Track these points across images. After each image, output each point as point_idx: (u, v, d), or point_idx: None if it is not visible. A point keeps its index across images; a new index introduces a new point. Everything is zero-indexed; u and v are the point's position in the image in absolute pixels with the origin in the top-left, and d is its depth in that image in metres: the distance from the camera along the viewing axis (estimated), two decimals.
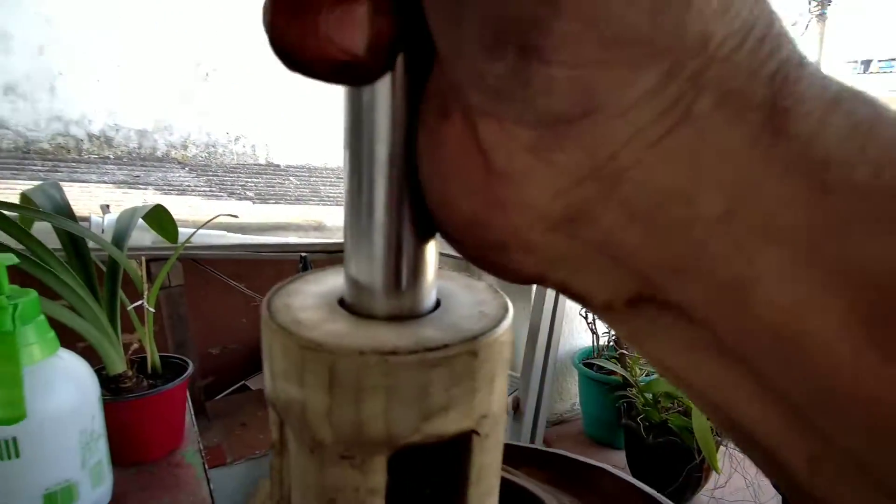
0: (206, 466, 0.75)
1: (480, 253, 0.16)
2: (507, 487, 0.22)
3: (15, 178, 2.24)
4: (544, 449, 0.31)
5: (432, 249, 0.18)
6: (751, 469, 0.89)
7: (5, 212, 0.65)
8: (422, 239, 0.18)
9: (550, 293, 0.97)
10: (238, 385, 1.80)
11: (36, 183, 0.79)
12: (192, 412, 0.85)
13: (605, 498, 0.28)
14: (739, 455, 0.93)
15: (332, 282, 0.21)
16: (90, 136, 3.43)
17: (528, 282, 0.16)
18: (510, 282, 0.17)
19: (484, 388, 0.17)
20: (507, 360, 0.18)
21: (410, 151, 0.17)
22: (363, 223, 0.17)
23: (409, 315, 0.18)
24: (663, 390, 0.93)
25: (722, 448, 0.91)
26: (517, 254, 0.16)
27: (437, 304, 0.19)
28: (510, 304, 0.19)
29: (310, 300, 0.19)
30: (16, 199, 0.76)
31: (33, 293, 0.58)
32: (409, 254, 0.18)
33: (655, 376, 0.99)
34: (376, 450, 0.17)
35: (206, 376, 1.55)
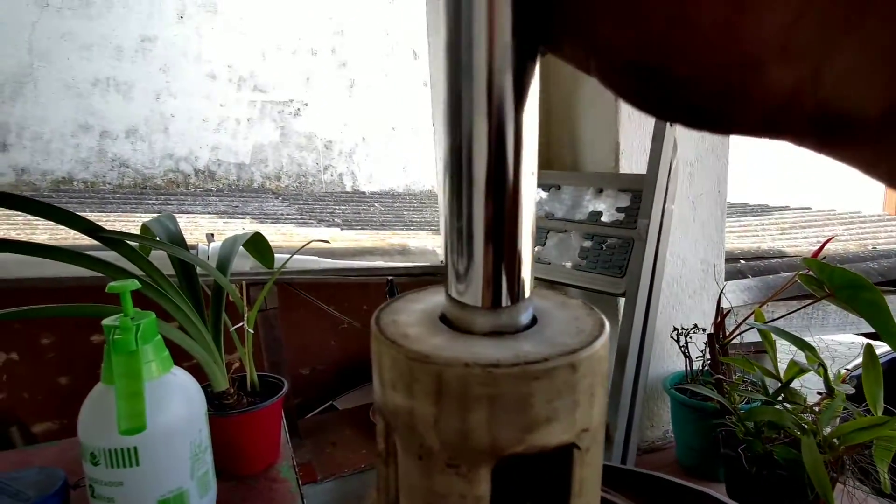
0: (300, 482, 0.78)
1: (722, 83, 0.13)
2: None
3: (134, 212, 2.48)
4: (644, 471, 0.30)
5: (528, 269, 0.19)
6: None
7: (128, 241, 0.73)
8: (519, 258, 0.19)
9: (640, 314, 0.94)
10: (326, 405, 1.87)
11: (152, 215, 0.88)
12: (287, 429, 0.89)
13: None
14: (861, 494, 0.84)
15: (432, 300, 0.22)
16: (196, 171, 3.75)
17: (774, 115, 0.14)
18: (748, 125, 0.14)
19: (584, 402, 0.18)
20: (605, 376, 0.19)
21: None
22: (464, 245, 0.18)
23: (508, 331, 0.19)
24: (767, 419, 0.87)
25: (839, 485, 0.83)
26: (774, 66, 0.13)
27: (534, 320, 0.20)
28: (606, 321, 0.19)
29: (414, 317, 0.20)
30: (136, 230, 0.85)
31: (152, 315, 0.65)
32: (507, 274, 0.19)
33: (758, 404, 0.92)
34: (481, 459, 0.17)
35: (296, 396, 1.62)
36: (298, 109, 4.03)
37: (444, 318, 0.20)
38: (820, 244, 1.07)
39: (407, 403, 0.18)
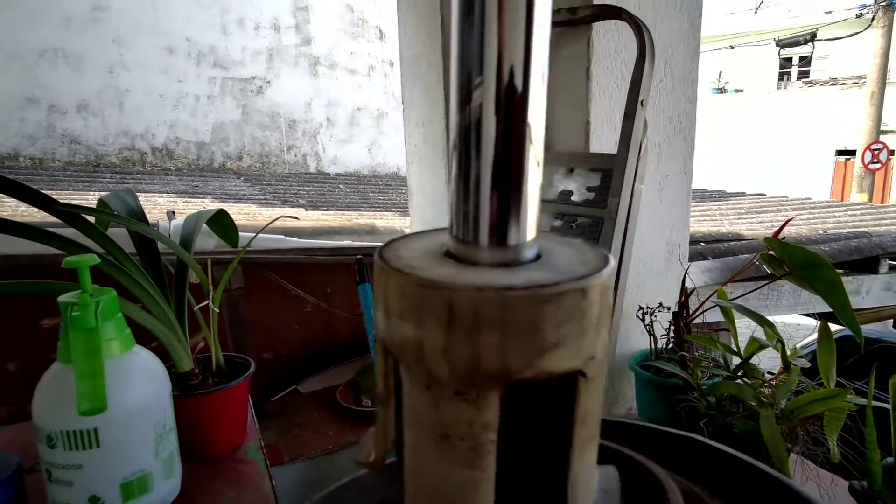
0: (268, 463, 0.77)
1: None
2: (621, 461, 0.22)
3: (87, 190, 2.38)
4: (632, 422, 0.31)
5: (535, 209, 0.19)
6: (826, 477, 0.84)
7: (86, 216, 0.69)
8: (526, 199, 0.19)
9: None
10: (290, 389, 1.85)
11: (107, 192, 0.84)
12: (254, 411, 0.87)
13: (699, 473, 0.27)
14: (812, 464, 0.88)
15: (434, 240, 0.22)
16: (153, 149, 3.61)
17: None
18: None
19: (591, 330, 0.18)
20: (610, 308, 0.19)
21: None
22: (471, 189, 0.19)
23: (515, 262, 0.19)
24: (728, 393, 0.89)
25: (793, 455, 0.86)
26: None
27: (538, 257, 0.20)
28: (611, 256, 0.20)
29: (418, 252, 0.20)
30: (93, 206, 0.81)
31: (112, 292, 0.62)
32: (514, 213, 0.19)
33: (719, 379, 0.95)
34: (491, 385, 0.17)
35: (260, 380, 1.60)
36: (261, 87, 3.92)
37: (448, 254, 0.20)
38: (774, 228, 1.10)
39: (416, 333, 0.18)
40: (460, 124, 0.19)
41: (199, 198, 2.34)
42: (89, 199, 2.06)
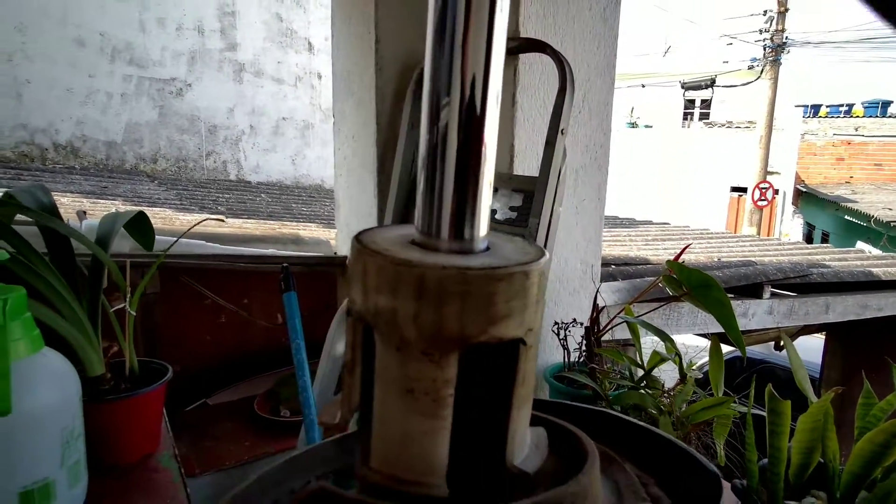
0: (183, 472, 0.74)
1: None
2: (548, 424, 0.26)
3: None
4: (555, 401, 0.35)
5: (486, 210, 0.24)
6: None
7: None
8: (480, 201, 0.24)
9: None
10: (199, 403, 1.77)
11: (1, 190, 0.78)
12: (172, 421, 0.84)
13: (608, 437, 0.32)
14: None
15: (401, 232, 0.26)
16: (56, 146, 3.35)
17: None
18: None
19: (531, 306, 0.23)
20: (544, 290, 0.24)
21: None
22: (436, 192, 0.23)
23: (469, 252, 0.24)
24: (633, 402, 0.97)
25: None
26: None
27: (487, 247, 0.25)
28: (546, 250, 0.24)
29: (388, 240, 0.24)
30: None
31: (21, 290, 0.59)
32: (470, 212, 0.24)
33: (625, 390, 1.03)
34: (451, 347, 0.21)
35: (168, 391, 1.52)
36: (181, 89, 3.75)
37: (414, 243, 0.24)
38: (677, 253, 1.21)
39: (390, 303, 0.22)
40: (429, 141, 0.23)
41: (108, 199, 2.20)
42: None
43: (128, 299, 0.77)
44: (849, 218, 9.61)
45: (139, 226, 0.89)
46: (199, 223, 0.88)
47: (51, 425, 0.58)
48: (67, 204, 1.90)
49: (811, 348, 3.67)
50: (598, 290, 1.22)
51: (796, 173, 11.93)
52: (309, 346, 0.89)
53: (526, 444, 0.26)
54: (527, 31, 1.06)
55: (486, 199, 0.24)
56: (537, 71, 1.10)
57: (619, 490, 0.28)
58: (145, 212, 0.87)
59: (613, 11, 1.15)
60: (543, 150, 0.97)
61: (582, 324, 1.18)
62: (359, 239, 0.24)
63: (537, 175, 0.98)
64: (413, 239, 0.25)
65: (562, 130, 0.97)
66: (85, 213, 1.19)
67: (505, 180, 1.07)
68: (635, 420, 0.33)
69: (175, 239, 0.91)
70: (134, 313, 0.78)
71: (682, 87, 13.98)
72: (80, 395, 0.63)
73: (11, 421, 0.54)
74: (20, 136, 3.20)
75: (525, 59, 1.07)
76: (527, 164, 1.11)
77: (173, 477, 0.72)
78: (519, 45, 1.04)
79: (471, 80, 0.22)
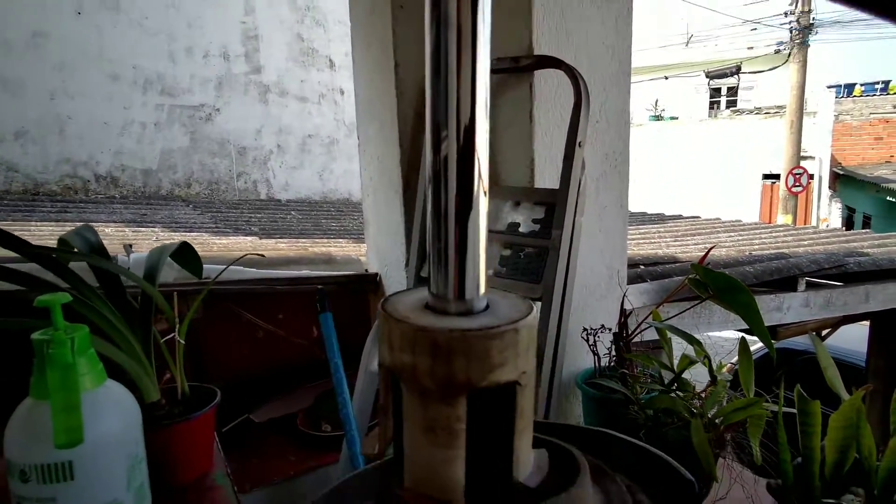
0: (235, 489, 0.79)
1: None
2: (549, 446, 0.30)
3: (28, 220, 2.30)
4: (559, 423, 0.39)
5: (483, 275, 0.30)
6: (749, 478, 0.94)
7: (53, 255, 0.72)
8: (478, 268, 0.29)
9: (555, 316, 1.03)
10: (242, 418, 1.84)
11: (49, 224, 0.85)
12: (218, 438, 0.89)
13: (606, 455, 0.37)
14: (738, 466, 0.98)
15: (417, 296, 0.32)
16: (97, 177, 3.51)
17: None
18: None
19: (523, 354, 0.28)
20: (535, 338, 0.29)
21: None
22: (442, 261, 0.29)
23: (471, 312, 0.29)
24: (664, 406, 0.98)
25: (721, 459, 0.95)
26: None
27: (487, 305, 0.30)
28: (533, 305, 0.30)
29: (407, 307, 0.30)
30: (32, 238, 0.82)
31: (85, 328, 0.64)
32: (470, 278, 0.29)
33: (656, 393, 1.04)
34: (460, 391, 0.27)
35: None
36: (210, 114, 3.89)
37: (427, 307, 0.30)
38: (706, 250, 1.22)
39: (411, 360, 0.28)
40: (434, 223, 0.29)
41: (148, 226, 2.31)
42: (31, 230, 2.00)
43: (177, 328, 0.82)
44: (891, 199, 9.28)
45: (185, 255, 0.95)
46: (243, 256, 0.93)
47: (117, 451, 0.64)
48: (111, 234, 2.01)
49: (856, 338, 3.57)
50: (624, 295, 1.23)
51: (832, 156, 11.58)
52: (344, 356, 0.94)
53: (530, 464, 0.31)
54: (541, 47, 1.09)
55: (482, 266, 0.29)
56: (553, 84, 1.12)
57: (610, 498, 0.34)
58: (181, 238, 0.92)
59: (626, 22, 1.17)
60: (562, 163, 1.00)
61: (610, 329, 1.20)
62: (384, 308, 0.30)
63: (557, 187, 1.01)
64: (427, 302, 0.30)
65: (579, 143, 1.00)
66: (131, 246, 1.27)
67: (526, 194, 1.09)
68: (624, 436, 0.38)
69: (223, 268, 0.97)
70: (183, 342, 0.83)
71: (707, 76, 13.72)
72: (141, 422, 0.69)
73: (83, 450, 0.60)
74: (64, 170, 3.38)
75: (540, 73, 1.10)
76: (547, 177, 1.14)
77: (227, 494, 0.77)
78: (532, 63, 1.07)
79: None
